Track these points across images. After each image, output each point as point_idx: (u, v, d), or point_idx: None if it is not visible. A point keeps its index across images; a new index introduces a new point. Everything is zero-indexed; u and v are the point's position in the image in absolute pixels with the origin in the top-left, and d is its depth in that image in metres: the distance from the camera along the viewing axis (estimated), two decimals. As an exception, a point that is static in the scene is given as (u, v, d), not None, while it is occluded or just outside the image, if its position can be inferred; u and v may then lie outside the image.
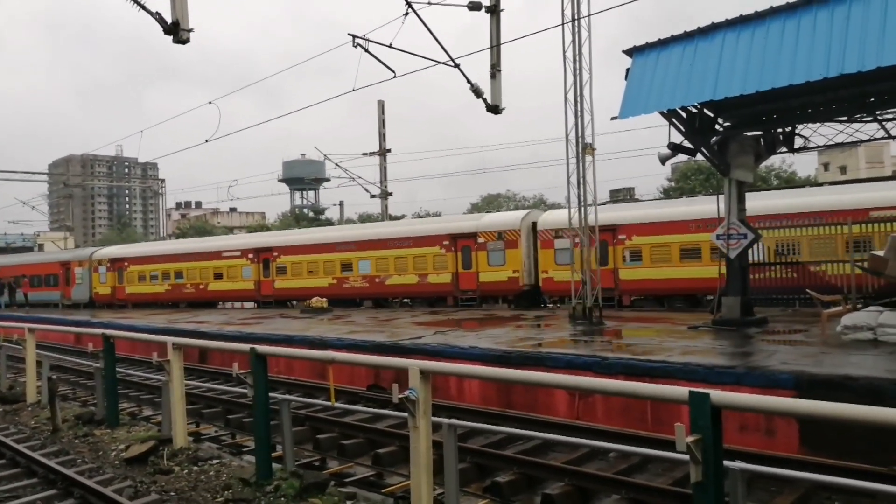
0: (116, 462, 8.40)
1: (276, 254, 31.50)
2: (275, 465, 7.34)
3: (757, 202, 17.89)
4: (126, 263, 38.15)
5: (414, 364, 5.61)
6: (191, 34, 11.38)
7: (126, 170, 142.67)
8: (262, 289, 32.01)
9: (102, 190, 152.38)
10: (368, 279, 28.40)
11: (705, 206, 19.75)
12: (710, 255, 19.13)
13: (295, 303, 30.77)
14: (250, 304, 33.60)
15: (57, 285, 41.79)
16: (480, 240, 25.32)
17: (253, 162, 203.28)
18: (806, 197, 19.76)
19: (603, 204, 23.83)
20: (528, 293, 24.67)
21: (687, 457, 3.91)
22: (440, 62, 15.36)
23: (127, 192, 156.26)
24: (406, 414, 5.57)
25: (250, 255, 32.42)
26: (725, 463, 4.12)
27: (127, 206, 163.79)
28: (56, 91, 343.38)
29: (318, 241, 30.74)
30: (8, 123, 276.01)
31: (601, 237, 20.50)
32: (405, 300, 28.77)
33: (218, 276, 33.67)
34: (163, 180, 59.10)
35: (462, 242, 25.86)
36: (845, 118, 14.59)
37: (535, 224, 24.55)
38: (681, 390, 4.15)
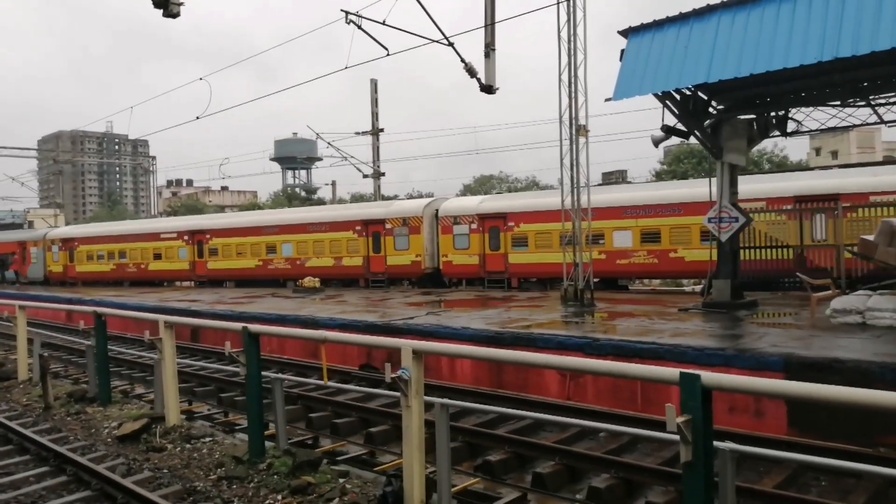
0: (109, 439, 8.42)
1: (208, 236, 33.43)
2: (267, 444, 7.38)
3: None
4: (76, 244, 40.00)
5: (406, 344, 5.63)
6: (181, 7, 11.28)
7: (116, 147, 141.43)
8: (197, 269, 33.89)
9: (92, 167, 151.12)
10: (290, 261, 30.30)
11: (601, 195, 21.97)
12: (585, 242, 20.84)
13: (227, 283, 33.07)
14: (187, 284, 35.45)
15: (14, 264, 43.97)
16: (388, 226, 27.22)
17: (248, 140, 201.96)
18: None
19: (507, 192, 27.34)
20: (430, 276, 26.42)
21: (677, 437, 3.95)
22: (434, 40, 15.26)
23: (117, 169, 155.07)
24: (398, 393, 5.61)
25: (185, 237, 34.27)
26: (715, 443, 4.17)
27: (117, 183, 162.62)
28: (50, 66, 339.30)
29: (247, 225, 32.74)
30: (5, 96, 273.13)
31: (494, 224, 24.90)
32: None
33: (157, 257, 35.58)
34: (153, 157, 58.69)
35: (373, 228, 27.73)
36: (838, 102, 14.62)
37: (437, 212, 26.43)
38: (671, 371, 4.19)
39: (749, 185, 18.23)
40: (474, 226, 25.11)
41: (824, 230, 17.23)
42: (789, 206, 17.92)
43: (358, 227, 28.24)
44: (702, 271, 18.93)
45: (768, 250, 17.90)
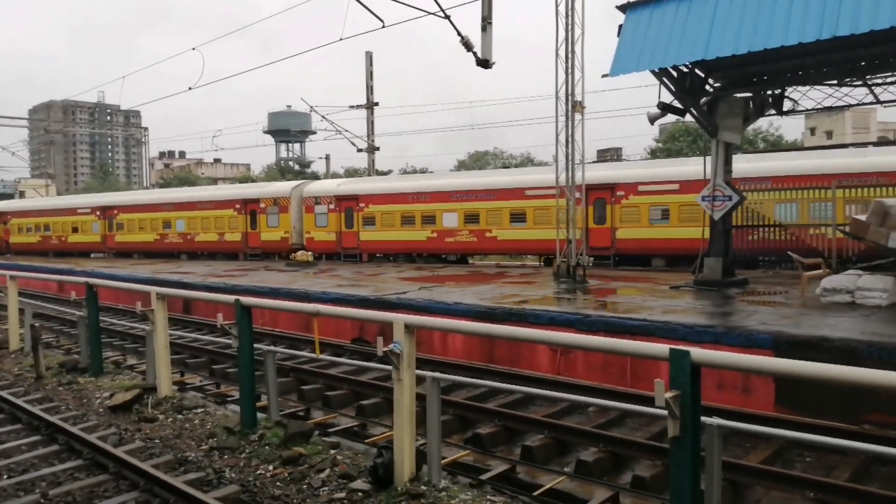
0: (101, 410, 8.45)
1: (116, 212, 36.71)
2: (259, 415, 7.42)
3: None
4: (9, 217, 44.13)
5: (399, 318, 5.64)
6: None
7: (108, 117, 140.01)
8: (107, 242, 37.20)
9: (84, 137, 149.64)
10: (182, 236, 33.53)
11: (427, 181, 27.51)
12: (421, 222, 25.52)
13: (134, 255, 35.95)
14: (100, 255, 38.16)
15: None
16: (262, 205, 30.28)
17: (247, 112, 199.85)
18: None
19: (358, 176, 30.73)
20: (297, 251, 28.27)
21: (665, 412, 3.99)
22: (430, 13, 15.08)
23: (109, 139, 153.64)
24: (390, 367, 5.63)
25: (98, 213, 37.48)
26: (702, 419, 4.21)
27: (109, 154, 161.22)
28: (50, 36, 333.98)
29: (147, 202, 36.06)
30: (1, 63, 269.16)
31: (347, 205, 27.85)
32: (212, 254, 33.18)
33: (74, 230, 39.01)
34: (146, 129, 58.13)
35: (250, 207, 30.77)
36: (835, 81, 14.56)
37: (303, 193, 29.46)
38: (661, 347, 4.21)
39: (544, 175, 22.10)
40: (332, 206, 28.28)
41: (605, 215, 21.64)
42: (578, 195, 19.08)
43: (238, 206, 31.24)
44: (512, 249, 24.95)
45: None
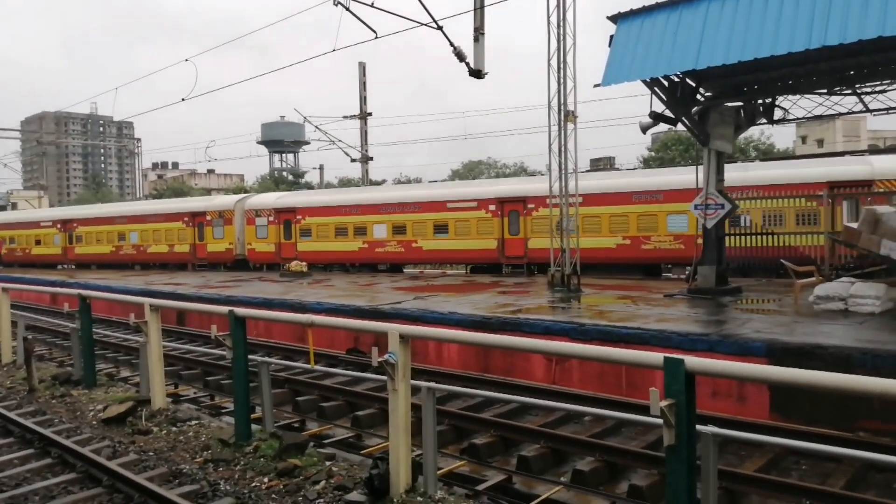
0: (94, 422, 8.39)
1: (76, 225, 38.14)
2: (254, 427, 7.38)
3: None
4: None
5: (394, 328, 5.64)
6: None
7: (101, 128, 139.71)
8: (68, 254, 38.59)
9: (77, 149, 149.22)
10: (136, 247, 35.02)
11: (358, 194, 28.84)
12: (354, 233, 26.89)
13: (92, 266, 37.09)
14: (61, 267, 39.20)
15: None
16: (209, 217, 31.66)
17: (241, 124, 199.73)
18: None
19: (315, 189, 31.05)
20: (241, 261, 30.64)
21: (660, 421, 4.00)
22: (422, 24, 15.15)
23: (102, 151, 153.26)
24: (385, 377, 5.62)
25: (59, 226, 39.11)
26: (697, 427, 4.22)
27: (102, 165, 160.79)
28: (42, 47, 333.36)
29: (103, 215, 37.59)
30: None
31: (286, 217, 29.10)
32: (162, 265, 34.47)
33: (38, 243, 40.59)
34: (138, 140, 58.04)
35: (198, 219, 32.15)
36: (825, 90, 14.69)
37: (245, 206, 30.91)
38: (656, 356, 4.23)
39: (463, 189, 25.37)
40: (272, 219, 29.61)
41: (518, 226, 23.08)
42: (493, 206, 23.43)
43: (186, 219, 32.66)
44: (436, 259, 26.19)
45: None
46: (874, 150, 33.90)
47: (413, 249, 25.54)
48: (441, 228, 24.76)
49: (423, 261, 26.99)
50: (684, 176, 19.61)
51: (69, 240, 38.39)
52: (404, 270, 27.92)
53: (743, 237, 18.25)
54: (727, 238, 15.99)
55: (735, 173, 18.89)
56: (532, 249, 22.83)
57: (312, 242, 28.27)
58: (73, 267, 38.13)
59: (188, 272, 30.89)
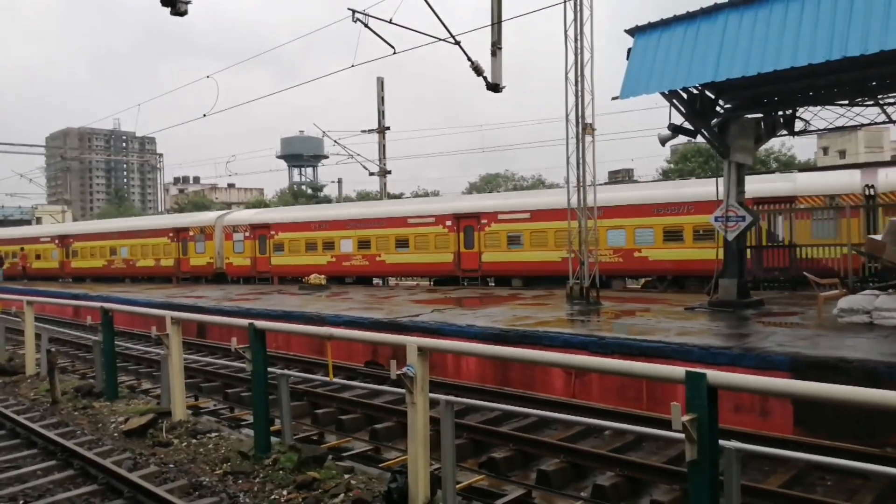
0: (115, 434, 8.46)
1: (72, 240, 40.42)
2: (273, 439, 7.40)
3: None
4: None
5: (412, 341, 5.64)
6: (188, 6, 11.31)
7: (123, 144, 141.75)
8: (65, 268, 40.72)
9: (100, 164, 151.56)
10: (126, 261, 36.96)
11: (325, 211, 31.14)
12: (322, 248, 28.55)
13: (87, 280, 38.72)
14: (62, 281, 40.39)
15: None
16: (191, 233, 33.61)
17: (263, 138, 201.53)
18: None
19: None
20: (220, 275, 32.50)
21: (682, 435, 3.95)
22: (440, 39, 15.26)
23: (125, 166, 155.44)
24: (403, 390, 5.62)
25: (56, 241, 41.31)
26: (720, 442, 4.17)
27: (125, 180, 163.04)
28: (70, 64, 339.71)
29: (97, 231, 40.19)
30: (20, 94, 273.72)
31: (261, 232, 31.01)
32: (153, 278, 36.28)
33: (38, 258, 42.42)
34: (160, 155, 58.84)
35: (182, 235, 34.06)
36: (846, 102, 14.55)
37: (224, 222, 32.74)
38: (677, 370, 4.18)
39: (422, 206, 27.45)
40: (248, 234, 31.46)
41: (473, 240, 24.53)
42: (450, 222, 25.00)
43: (171, 234, 34.49)
44: (399, 272, 27.71)
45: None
46: (805, 168, 36.37)
47: (377, 263, 27.09)
48: (402, 243, 26.23)
49: (387, 274, 28.43)
50: (620, 193, 21.97)
51: (66, 254, 40.59)
52: (374, 283, 29.41)
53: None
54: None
55: (671, 190, 20.91)
56: (486, 263, 24.38)
57: (285, 256, 30.14)
58: (70, 280, 39.79)
59: (207, 285, 31.53)
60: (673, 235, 20.11)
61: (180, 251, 34.15)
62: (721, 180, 14.69)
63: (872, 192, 17.54)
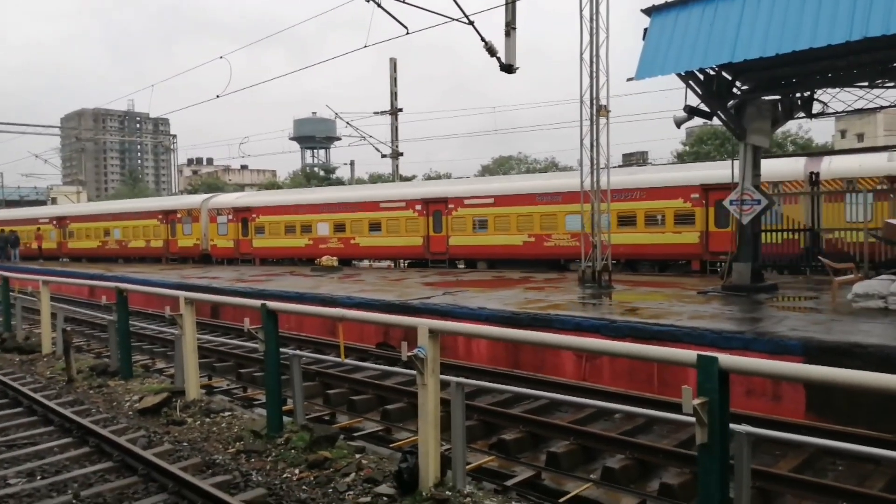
0: (130, 412, 8.57)
1: (68, 222, 41.82)
2: (285, 419, 7.47)
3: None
4: None
5: (423, 323, 5.65)
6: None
7: (137, 125, 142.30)
8: (62, 248, 42.14)
9: (114, 145, 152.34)
10: (119, 242, 38.32)
11: (304, 195, 32.43)
12: (301, 231, 29.72)
13: (83, 259, 40.24)
14: (62, 261, 41.77)
15: None
16: (179, 216, 34.69)
17: (278, 119, 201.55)
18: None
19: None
20: (206, 256, 33.69)
21: (693, 419, 3.94)
22: (454, 19, 15.11)
23: (139, 147, 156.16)
24: (414, 372, 5.64)
25: (54, 223, 42.75)
26: (731, 426, 4.16)
27: (139, 161, 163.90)
28: (87, 45, 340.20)
29: (91, 213, 41.56)
30: (35, 73, 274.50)
31: (243, 216, 32.13)
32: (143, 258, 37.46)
33: (38, 238, 43.12)
34: (174, 136, 59.03)
35: (170, 217, 35.24)
36: (866, 83, 14.28)
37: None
38: (689, 353, 4.17)
39: (394, 190, 28.48)
40: (231, 217, 32.63)
41: (441, 224, 25.41)
42: (419, 206, 25.96)
43: (160, 217, 35.62)
44: (372, 254, 29.18)
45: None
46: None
47: (351, 246, 28.17)
48: (375, 226, 27.34)
49: (361, 256, 29.51)
50: (577, 180, 21.79)
51: (63, 235, 41.90)
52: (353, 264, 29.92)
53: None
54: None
55: (624, 177, 21.28)
56: (453, 246, 25.29)
57: (265, 239, 31.25)
58: (67, 260, 41.01)
59: (224, 266, 31.76)
60: (627, 221, 21.09)
61: (169, 233, 35.33)
62: (738, 163, 14.53)
63: (816, 179, 18.18)
